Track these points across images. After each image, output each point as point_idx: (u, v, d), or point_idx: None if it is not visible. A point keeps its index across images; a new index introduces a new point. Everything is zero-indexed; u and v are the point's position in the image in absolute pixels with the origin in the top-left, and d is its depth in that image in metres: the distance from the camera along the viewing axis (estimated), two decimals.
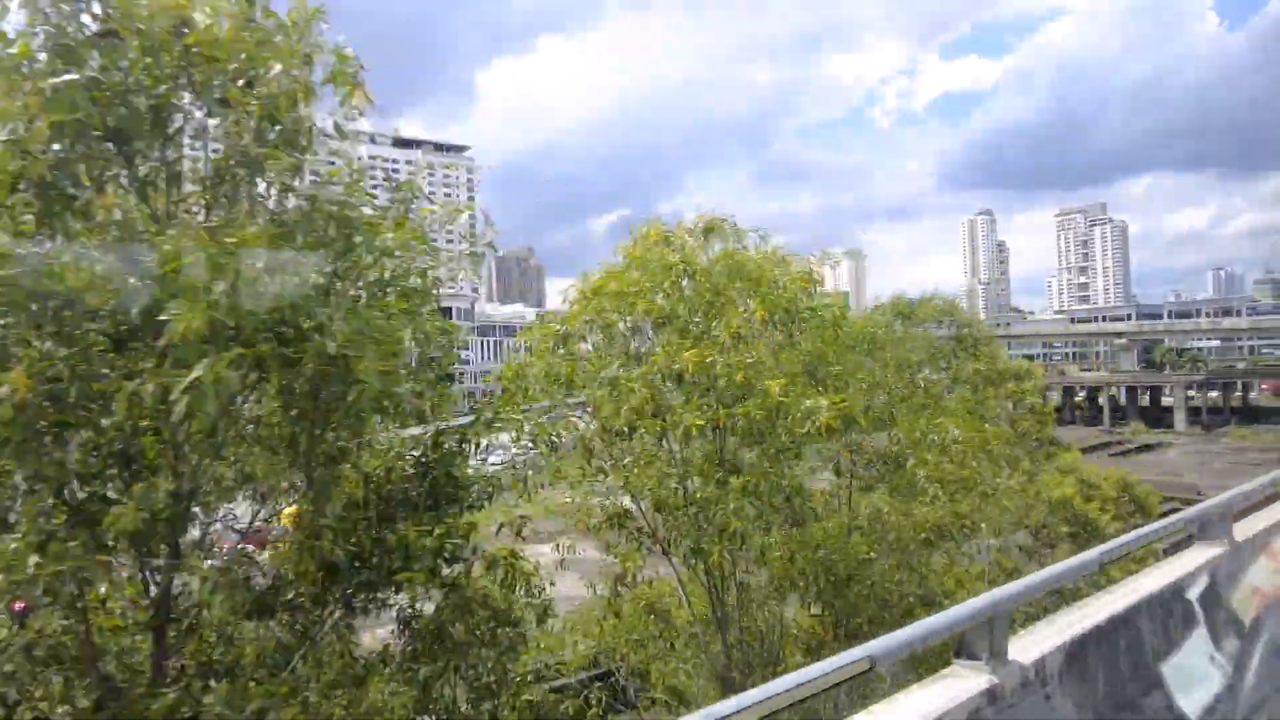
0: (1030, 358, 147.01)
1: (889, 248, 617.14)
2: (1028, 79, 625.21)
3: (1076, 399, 78.38)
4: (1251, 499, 4.63)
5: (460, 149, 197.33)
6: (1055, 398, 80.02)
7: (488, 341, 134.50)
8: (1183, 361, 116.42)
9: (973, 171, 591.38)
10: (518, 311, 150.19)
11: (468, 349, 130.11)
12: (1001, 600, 2.76)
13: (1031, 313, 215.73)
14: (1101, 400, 77.79)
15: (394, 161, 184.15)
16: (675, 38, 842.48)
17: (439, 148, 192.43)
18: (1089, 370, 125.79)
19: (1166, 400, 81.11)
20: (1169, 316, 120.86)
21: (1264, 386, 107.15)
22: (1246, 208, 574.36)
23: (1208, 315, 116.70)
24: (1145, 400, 75.43)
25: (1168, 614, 3.66)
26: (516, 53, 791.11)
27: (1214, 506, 4.18)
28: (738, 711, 1.90)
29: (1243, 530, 4.32)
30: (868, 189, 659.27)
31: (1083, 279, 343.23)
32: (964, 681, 2.69)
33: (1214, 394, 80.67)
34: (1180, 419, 64.55)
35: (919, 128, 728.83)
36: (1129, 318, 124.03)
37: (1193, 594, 3.80)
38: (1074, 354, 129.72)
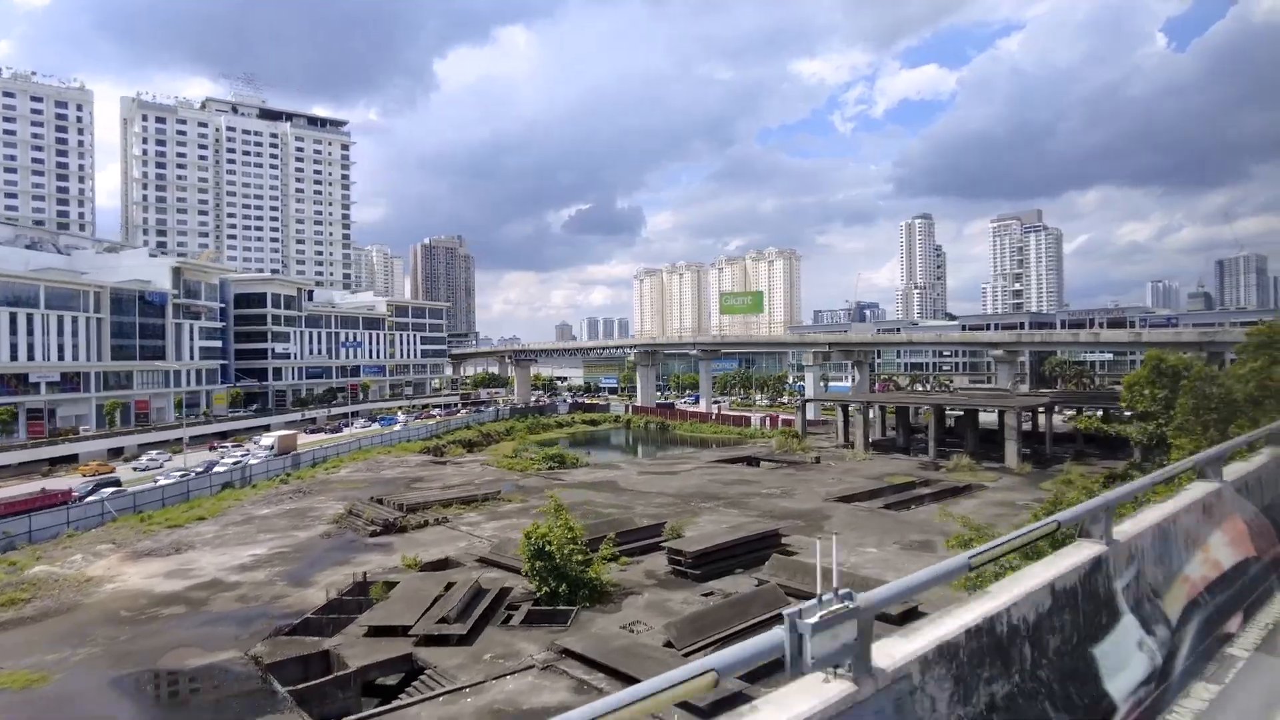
0: (919, 366, 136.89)
1: (846, 250, 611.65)
2: (984, 90, 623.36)
3: (917, 420, 65.89)
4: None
5: (337, 124, 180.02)
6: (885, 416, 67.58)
7: (318, 333, 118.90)
8: (1071, 375, 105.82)
9: (929, 178, 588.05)
10: (365, 302, 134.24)
11: (288, 341, 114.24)
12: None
13: (956, 316, 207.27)
14: (949, 422, 65.45)
15: (257, 134, 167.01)
16: (637, 35, 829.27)
17: (313, 121, 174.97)
18: (979, 383, 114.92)
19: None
20: (1061, 326, 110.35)
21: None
22: (1188, 223, 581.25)
23: (1101, 326, 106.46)
24: (994, 422, 63.16)
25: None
26: (475, 43, 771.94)
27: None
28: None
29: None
30: (828, 192, 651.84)
31: (1017, 286, 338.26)
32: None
33: (1088, 413, 69.21)
34: (1011, 451, 52.19)
35: (879, 133, 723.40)
36: (1021, 326, 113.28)
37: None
38: (964, 365, 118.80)
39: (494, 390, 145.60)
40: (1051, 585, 3.96)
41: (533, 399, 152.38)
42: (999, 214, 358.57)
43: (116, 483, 52.09)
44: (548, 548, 25.60)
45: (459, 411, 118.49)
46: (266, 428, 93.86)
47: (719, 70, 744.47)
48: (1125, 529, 4.86)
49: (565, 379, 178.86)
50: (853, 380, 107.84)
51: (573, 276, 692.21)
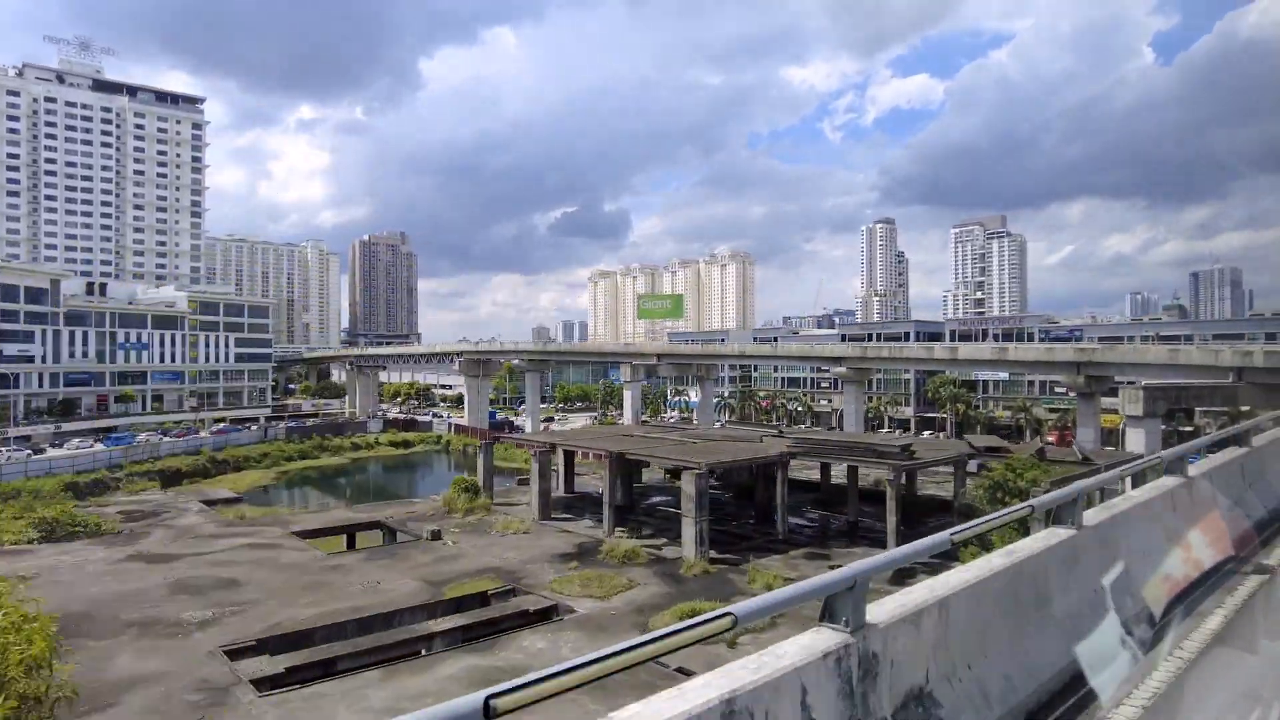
0: (795, 383, 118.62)
1: (830, 258, 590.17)
2: (972, 100, 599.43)
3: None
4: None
5: (191, 100, 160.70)
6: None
7: (84, 333, 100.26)
8: (959, 399, 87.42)
9: (915, 187, 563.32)
10: (165, 297, 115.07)
11: (31, 341, 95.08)
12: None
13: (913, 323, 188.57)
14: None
15: (85, 108, 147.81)
16: (624, 37, 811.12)
17: (161, 97, 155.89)
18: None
19: (809, 469, 50.86)
20: (952, 339, 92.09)
21: (1051, 438, 78.96)
22: (1172, 236, 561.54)
23: (995, 339, 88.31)
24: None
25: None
26: (461, 42, 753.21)
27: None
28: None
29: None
30: (817, 199, 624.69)
31: (979, 294, 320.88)
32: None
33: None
34: (689, 535, 33.48)
35: (867, 141, 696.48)
36: (906, 337, 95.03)
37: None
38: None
39: (322, 401, 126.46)
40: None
41: (400, 410, 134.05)
42: (959, 219, 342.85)
43: None
44: None
45: (249, 427, 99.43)
46: None
47: (709, 75, 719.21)
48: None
49: (450, 388, 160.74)
50: (698, 399, 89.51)
51: (560, 279, 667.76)
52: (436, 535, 37.71)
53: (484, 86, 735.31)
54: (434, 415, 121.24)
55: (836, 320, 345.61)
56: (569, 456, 49.56)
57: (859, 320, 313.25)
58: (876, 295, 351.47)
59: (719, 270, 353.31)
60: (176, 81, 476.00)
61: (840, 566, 4.34)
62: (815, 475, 50.58)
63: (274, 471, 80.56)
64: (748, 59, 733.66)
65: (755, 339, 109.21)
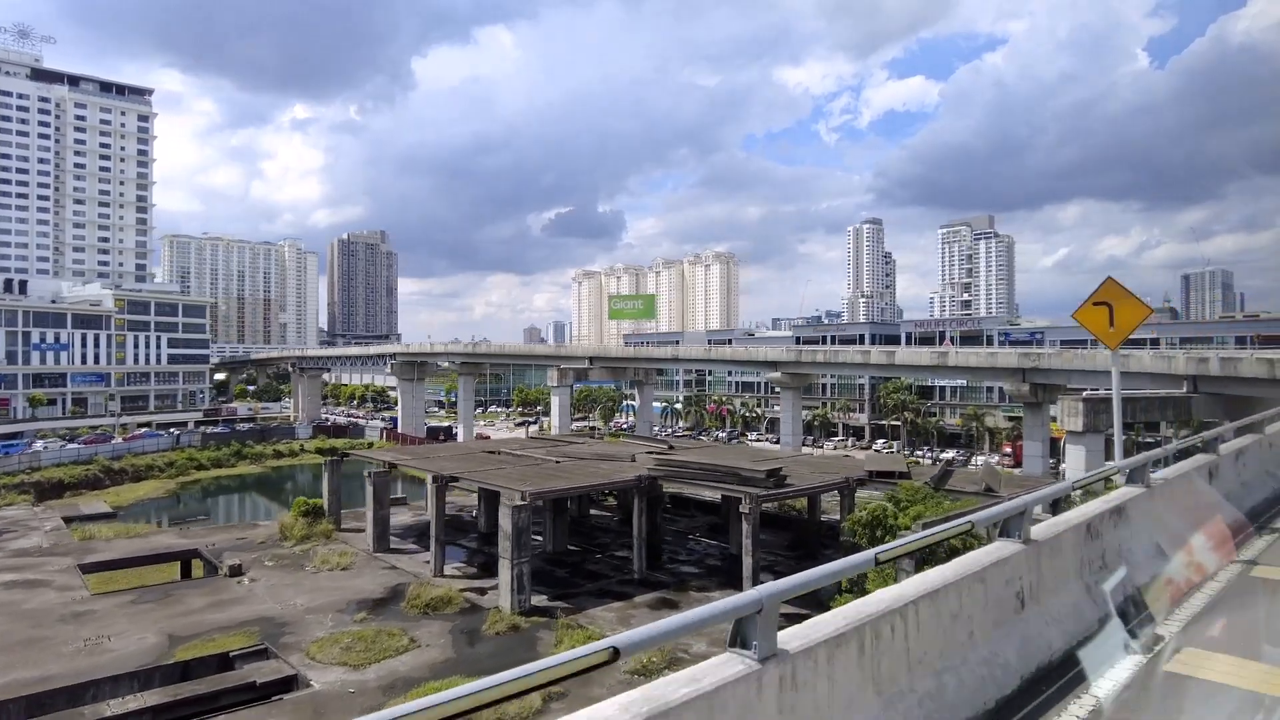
0: (746, 386, 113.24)
1: (825, 259, 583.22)
2: (968, 102, 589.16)
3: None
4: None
5: (138, 91, 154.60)
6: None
7: None
8: (909, 406, 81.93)
9: (911, 189, 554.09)
10: (90, 295, 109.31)
11: None
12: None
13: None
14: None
15: (21, 97, 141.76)
16: (619, 37, 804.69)
17: (106, 87, 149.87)
18: (811, 408, 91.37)
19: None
20: (909, 342, 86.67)
21: (1007, 449, 73.83)
22: (1166, 239, 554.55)
23: (953, 341, 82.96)
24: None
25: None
26: (455, 42, 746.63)
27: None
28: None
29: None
30: (812, 200, 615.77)
31: (966, 296, 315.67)
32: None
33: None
34: (505, 577, 27.95)
35: (863, 143, 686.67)
36: (861, 339, 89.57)
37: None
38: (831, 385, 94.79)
39: (259, 405, 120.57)
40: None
41: (347, 414, 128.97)
42: (947, 219, 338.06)
43: None
44: None
45: (171, 431, 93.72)
46: None
47: (705, 76, 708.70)
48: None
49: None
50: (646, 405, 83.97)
51: (555, 279, 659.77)
52: (237, 570, 32.22)
53: (479, 86, 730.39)
54: (380, 420, 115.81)
55: (826, 321, 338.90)
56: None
57: (846, 321, 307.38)
58: (863, 296, 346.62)
59: (703, 271, 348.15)
60: (171, 80, 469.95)
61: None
62: (717, 496, 45.07)
63: (176, 482, 74.89)
64: (743, 60, 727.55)
65: (710, 341, 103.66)
